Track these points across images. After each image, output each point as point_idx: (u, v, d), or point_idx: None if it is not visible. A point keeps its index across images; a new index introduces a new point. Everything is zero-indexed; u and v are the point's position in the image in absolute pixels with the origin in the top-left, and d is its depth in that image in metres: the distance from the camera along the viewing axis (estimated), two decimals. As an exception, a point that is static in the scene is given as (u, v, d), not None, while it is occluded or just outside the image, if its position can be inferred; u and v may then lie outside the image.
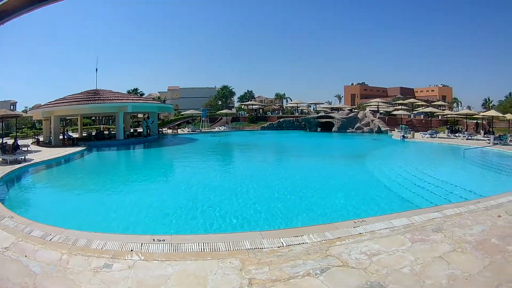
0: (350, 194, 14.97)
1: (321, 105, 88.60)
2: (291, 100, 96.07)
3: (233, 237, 7.45)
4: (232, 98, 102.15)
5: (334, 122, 58.97)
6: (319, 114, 64.83)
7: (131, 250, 6.88)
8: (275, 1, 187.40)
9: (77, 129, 51.86)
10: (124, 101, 42.22)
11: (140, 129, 46.88)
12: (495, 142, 36.77)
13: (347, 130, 57.17)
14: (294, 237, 7.71)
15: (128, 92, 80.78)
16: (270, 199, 13.88)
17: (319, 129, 60.13)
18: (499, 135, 40.00)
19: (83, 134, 44.60)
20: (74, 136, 39.63)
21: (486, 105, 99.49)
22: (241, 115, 76.36)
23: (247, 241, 7.32)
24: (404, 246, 7.71)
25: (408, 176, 19.76)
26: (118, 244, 7.10)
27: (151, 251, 6.87)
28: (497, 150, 33.84)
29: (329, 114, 62.48)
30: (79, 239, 7.51)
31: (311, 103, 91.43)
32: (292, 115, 74.21)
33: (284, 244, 7.36)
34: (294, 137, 51.59)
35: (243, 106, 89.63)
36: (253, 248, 7.18)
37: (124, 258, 6.64)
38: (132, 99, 44.99)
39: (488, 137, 39.59)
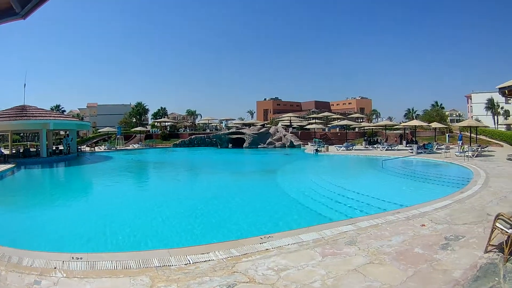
0: (258, 210, 16.45)
1: (233, 121, 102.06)
2: (202, 117, 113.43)
3: (143, 255, 8.60)
4: (146, 115, 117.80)
5: (245, 138, 65.29)
6: (230, 130, 72.30)
7: (55, 268, 7.76)
8: (184, 18, 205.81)
9: (8, 145, 55.93)
10: (46, 118, 45.88)
11: (61, 147, 52.34)
12: (419, 151, 42.71)
13: (259, 146, 64.37)
14: (201, 254, 8.53)
15: (51, 109, 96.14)
16: (179, 216, 15.59)
17: (230, 145, 67.53)
18: (424, 144, 47.44)
19: (13, 151, 49.28)
20: (5, 153, 44.04)
21: (409, 115, 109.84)
22: (154, 132, 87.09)
23: (155, 259, 8.24)
24: (314, 261, 8.07)
25: (319, 189, 21.02)
26: (44, 261, 8.12)
27: (71, 268, 7.78)
28: (422, 159, 37.65)
29: (240, 130, 69.30)
30: (12, 256, 8.50)
31: (223, 119, 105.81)
32: (203, 132, 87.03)
33: (191, 262, 8.14)
34: (204, 154, 57.96)
35: (156, 123, 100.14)
36: (161, 265, 7.95)
37: (50, 275, 7.44)
38: (53, 116, 49.80)
39: (411, 146, 46.06)
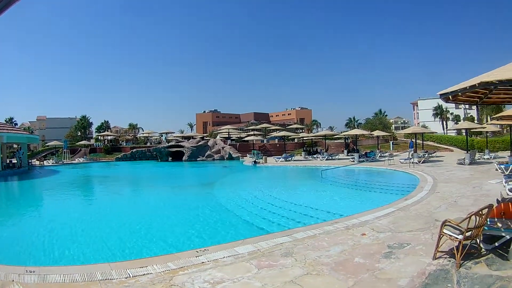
0: (195, 224, 16.76)
1: (173, 134, 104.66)
2: (143, 130, 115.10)
3: (88, 269, 8.87)
4: (90, 129, 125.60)
5: (184, 151, 67.28)
6: (170, 144, 74.55)
7: (13, 280, 8.12)
8: (123, 29, 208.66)
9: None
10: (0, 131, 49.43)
11: (14, 160, 54.34)
12: (361, 159, 44.36)
13: (198, 159, 66.55)
14: (140, 268, 8.72)
15: (5, 121, 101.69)
16: (119, 230, 16.00)
17: (170, 158, 69.36)
18: (366, 152, 50.03)
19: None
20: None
21: (351, 124, 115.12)
22: (98, 146, 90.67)
23: (98, 273, 8.46)
24: (250, 273, 8.22)
25: (255, 201, 21.62)
26: (3, 274, 8.42)
27: (26, 281, 8.06)
28: (364, 168, 39.05)
29: (179, 143, 71.24)
30: (-21, 270, 10.26)
31: (163, 132, 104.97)
32: (144, 146, 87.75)
33: (131, 275, 8.36)
34: (144, 168, 59.76)
35: (99, 137, 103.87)
36: (104, 279, 8.19)
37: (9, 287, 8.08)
38: (7, 129, 51.24)
39: (352, 155, 47.78)
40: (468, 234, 8.23)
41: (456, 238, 8.30)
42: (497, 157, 40.21)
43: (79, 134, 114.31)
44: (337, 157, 53.80)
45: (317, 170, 37.78)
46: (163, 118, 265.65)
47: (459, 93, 8.48)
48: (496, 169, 27.50)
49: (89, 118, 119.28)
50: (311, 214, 16.91)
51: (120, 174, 52.68)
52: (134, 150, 77.41)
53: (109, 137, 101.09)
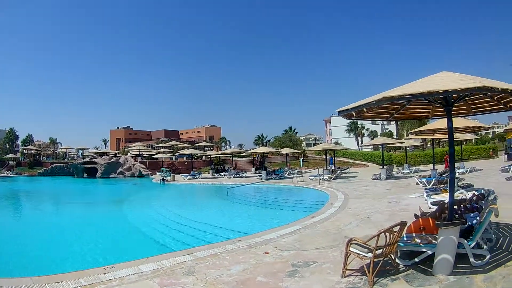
0: (104, 241, 16.83)
1: (88, 150, 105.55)
2: (62, 145, 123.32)
3: (13, 282, 9.16)
4: (17, 142, 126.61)
5: (98, 167, 68.67)
6: (85, 160, 76.00)
7: None
8: (37, 46, 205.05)
9: None
10: None
11: None
12: (269, 177, 44.89)
13: (110, 175, 67.21)
14: (56, 283, 8.90)
15: None
16: (28, 247, 16.04)
17: (85, 174, 70.32)
18: (274, 169, 51.06)
19: None
20: None
21: (259, 141, 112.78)
22: (23, 160, 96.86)
23: (23, 286, 8.72)
24: None
25: (161, 219, 21.82)
26: None
27: None
28: (272, 185, 39.14)
29: (93, 160, 72.85)
30: None
31: (79, 148, 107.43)
32: (63, 161, 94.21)
33: None
34: (61, 183, 60.02)
35: (24, 150, 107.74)
36: None
37: None
38: None
39: (260, 173, 48.39)
40: (378, 252, 8.15)
41: (365, 256, 8.21)
42: (418, 171, 41.00)
43: (8, 146, 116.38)
44: (244, 174, 55.09)
45: (224, 188, 38.23)
46: (80, 133, 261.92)
47: (364, 110, 8.36)
48: (417, 183, 27.80)
49: (16, 131, 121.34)
50: (215, 232, 17.01)
51: (37, 190, 52.26)
52: (53, 165, 79.29)
53: (32, 151, 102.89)
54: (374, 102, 6.89)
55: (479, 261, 8.65)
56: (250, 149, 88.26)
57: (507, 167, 33.58)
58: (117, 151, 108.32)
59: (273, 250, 11.31)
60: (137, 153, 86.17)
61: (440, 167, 34.20)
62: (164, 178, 53.95)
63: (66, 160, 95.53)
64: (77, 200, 38.97)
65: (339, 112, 8.08)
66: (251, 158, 71.91)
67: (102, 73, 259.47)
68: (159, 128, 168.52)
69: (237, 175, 53.43)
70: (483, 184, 24.03)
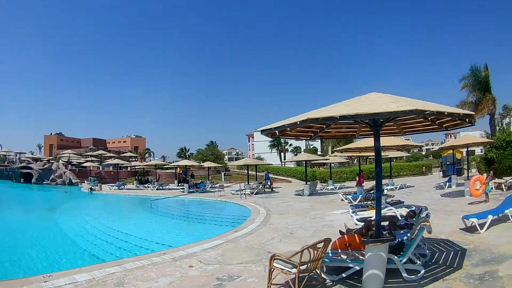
0: (40, 248, 16.16)
1: (25, 155, 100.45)
2: (2, 148, 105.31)
3: None
4: None
5: (33, 173, 65.89)
6: (22, 165, 73.18)
7: None
8: None
9: None
10: None
11: None
12: (191, 190, 43.53)
13: (44, 182, 64.54)
14: None
15: None
16: None
17: (22, 179, 67.69)
18: (195, 183, 48.40)
19: None
20: None
21: (182, 154, 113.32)
22: None
23: None
24: None
25: (90, 229, 21.28)
26: None
27: None
28: (194, 198, 37.94)
29: (29, 165, 70.02)
30: None
31: (17, 152, 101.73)
32: (3, 164, 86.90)
33: None
34: None
35: None
36: None
37: None
38: None
39: (182, 186, 47.40)
40: (303, 267, 7.85)
41: (290, 271, 7.97)
42: (343, 187, 40.93)
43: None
44: (167, 187, 53.96)
45: (148, 199, 37.72)
46: (19, 137, 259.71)
47: (288, 129, 8.12)
48: (342, 200, 27.65)
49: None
50: (141, 244, 16.65)
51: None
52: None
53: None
54: (298, 123, 6.89)
55: (413, 276, 8.74)
56: (174, 162, 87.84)
57: (442, 184, 34.34)
58: (50, 157, 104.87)
59: (198, 264, 11.14)
60: (67, 160, 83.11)
61: (367, 184, 33.77)
62: (92, 187, 52.97)
63: (6, 163, 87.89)
64: (13, 206, 38.04)
65: (262, 131, 7.76)
66: (173, 171, 70.06)
67: (38, 75, 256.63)
68: (89, 136, 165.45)
69: (160, 187, 52.54)
70: (415, 200, 24.44)
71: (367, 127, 9.27)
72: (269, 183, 45.30)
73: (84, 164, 76.81)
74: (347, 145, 24.18)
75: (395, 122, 10.92)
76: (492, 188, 27.31)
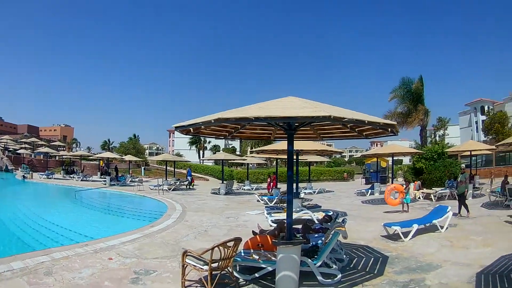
0: None
1: None
2: None
3: None
4: None
5: None
6: None
7: None
8: None
9: None
10: None
11: None
12: (112, 183, 44.08)
13: None
14: None
15: None
16: None
17: None
18: (117, 176, 49.34)
19: None
20: None
21: (106, 146, 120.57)
22: None
23: None
24: None
25: (22, 217, 20.95)
26: None
27: None
28: (115, 191, 38.17)
29: None
30: None
31: None
32: None
33: None
34: None
35: None
36: None
37: None
38: None
39: (105, 178, 48.22)
40: (215, 265, 8.08)
41: (201, 268, 8.18)
42: (260, 188, 41.09)
43: None
44: (91, 178, 54.20)
45: (73, 190, 36.85)
46: None
47: (202, 127, 8.28)
48: (258, 200, 27.92)
49: None
50: (66, 234, 16.15)
51: None
52: None
53: None
54: (212, 121, 6.92)
55: (329, 280, 8.79)
56: (98, 153, 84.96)
57: (364, 190, 34.50)
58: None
59: (116, 257, 11.18)
60: (4, 146, 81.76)
61: (283, 187, 32.27)
62: (25, 175, 52.91)
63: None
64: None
65: (176, 127, 7.84)
66: (97, 162, 70.45)
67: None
68: (24, 122, 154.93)
69: (85, 179, 52.24)
70: (335, 206, 24.80)
71: (282, 130, 9.40)
72: (190, 180, 45.38)
73: (19, 151, 75.27)
74: (264, 147, 24.47)
75: (312, 127, 10.96)
76: (420, 197, 27.95)
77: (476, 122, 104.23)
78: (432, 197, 27.25)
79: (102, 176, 54.78)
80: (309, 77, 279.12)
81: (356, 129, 10.18)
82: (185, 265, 8.52)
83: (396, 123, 8.45)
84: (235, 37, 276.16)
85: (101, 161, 64.80)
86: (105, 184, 45.75)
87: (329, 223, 12.27)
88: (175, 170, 53.43)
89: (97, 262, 10.50)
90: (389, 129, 8.28)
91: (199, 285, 8.70)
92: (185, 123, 7.65)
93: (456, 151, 39.13)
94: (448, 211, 15.66)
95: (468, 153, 34.35)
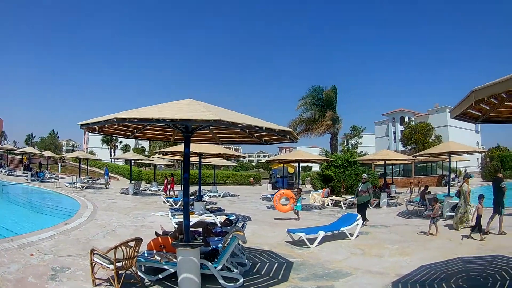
0: None
1: None
2: None
3: None
4: None
5: None
6: None
7: None
8: None
9: None
10: None
11: None
12: (33, 178, 44.25)
13: None
14: None
15: None
16: None
17: None
18: (37, 171, 49.62)
19: None
20: None
21: (29, 141, 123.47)
22: None
23: None
24: None
25: None
26: None
27: None
28: (36, 187, 38.14)
29: None
30: None
31: None
32: None
33: None
34: None
35: None
36: None
37: None
38: None
39: (27, 173, 47.85)
40: (119, 264, 8.31)
41: (108, 267, 8.44)
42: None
43: None
44: (15, 173, 54.34)
45: (1, 184, 38.82)
46: None
47: (106, 126, 8.61)
48: (164, 202, 28.01)
49: None
50: None
51: None
52: None
53: None
54: (114, 120, 6.84)
55: (232, 284, 8.82)
56: (21, 148, 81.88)
57: (270, 196, 32.98)
58: None
59: (37, 253, 11.30)
60: None
61: (190, 189, 33.03)
62: None
63: None
64: None
65: (81, 125, 8.10)
66: (20, 157, 68.31)
67: None
68: None
69: (11, 173, 52.21)
70: (239, 210, 25.15)
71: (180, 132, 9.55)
72: (107, 179, 45.50)
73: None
74: (168, 148, 24.53)
75: (211, 131, 11.12)
76: (328, 204, 28.17)
77: (394, 132, 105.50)
78: (342, 205, 27.13)
79: (25, 172, 53.61)
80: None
81: (255, 135, 10.37)
82: (93, 263, 8.67)
83: (292, 130, 8.51)
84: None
85: (24, 157, 62.43)
86: (27, 179, 44.94)
87: (229, 227, 12.20)
88: (88, 168, 52.67)
89: (21, 258, 10.64)
90: (288, 136, 8.53)
91: (108, 284, 8.72)
92: (89, 121, 7.90)
93: (369, 160, 39.20)
94: (358, 219, 15.48)
95: (383, 162, 33.47)
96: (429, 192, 23.52)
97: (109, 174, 53.02)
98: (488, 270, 9.96)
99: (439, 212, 15.93)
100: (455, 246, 13.53)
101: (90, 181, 42.45)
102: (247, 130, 9.77)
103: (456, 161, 53.14)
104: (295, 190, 23.63)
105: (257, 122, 7.74)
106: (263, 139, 10.61)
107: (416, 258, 11.76)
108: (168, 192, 36.37)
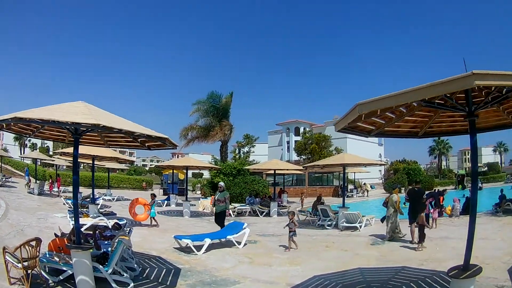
0: None
1: None
2: None
3: None
4: None
5: None
6: None
7: None
8: None
9: None
10: None
11: None
12: None
13: None
14: None
15: None
16: None
17: None
18: None
19: None
20: None
21: None
22: None
23: None
24: None
25: None
26: None
27: None
28: None
29: None
30: None
31: None
32: None
33: None
34: None
35: None
36: None
37: None
38: None
39: None
40: (25, 264, 8.09)
41: (17, 266, 8.22)
42: (66, 191, 38.50)
43: None
44: None
45: None
46: None
47: (12, 124, 8.52)
48: (64, 203, 26.63)
49: None
50: None
51: None
52: None
53: None
54: (10, 119, 6.82)
55: None
56: None
57: (160, 201, 32.20)
58: None
59: None
60: None
61: (85, 191, 32.31)
62: None
63: None
64: None
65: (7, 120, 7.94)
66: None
67: None
68: None
69: None
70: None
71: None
72: (28, 179, 43.06)
73: None
74: (65, 149, 24.46)
75: (99, 134, 10.90)
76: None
77: (288, 142, 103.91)
78: (231, 213, 26.46)
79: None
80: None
81: (139, 140, 10.25)
82: (6, 262, 8.45)
83: (168, 137, 8.57)
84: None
85: None
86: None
87: (117, 231, 11.99)
88: (1, 165, 50.41)
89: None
90: (167, 142, 8.73)
91: (21, 283, 8.43)
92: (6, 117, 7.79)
93: (259, 169, 37.75)
94: (245, 228, 15.16)
95: (272, 171, 31.04)
96: (323, 203, 23.15)
97: (19, 172, 53.70)
98: (393, 281, 9.55)
99: (296, 226, 14.77)
100: (351, 257, 13.19)
101: (4, 179, 39.87)
102: (131, 136, 9.62)
103: (355, 172, 56.09)
104: (151, 199, 21.58)
105: (136, 128, 7.92)
106: (146, 144, 10.61)
107: (309, 268, 11.48)
108: (52, 191, 36.45)
